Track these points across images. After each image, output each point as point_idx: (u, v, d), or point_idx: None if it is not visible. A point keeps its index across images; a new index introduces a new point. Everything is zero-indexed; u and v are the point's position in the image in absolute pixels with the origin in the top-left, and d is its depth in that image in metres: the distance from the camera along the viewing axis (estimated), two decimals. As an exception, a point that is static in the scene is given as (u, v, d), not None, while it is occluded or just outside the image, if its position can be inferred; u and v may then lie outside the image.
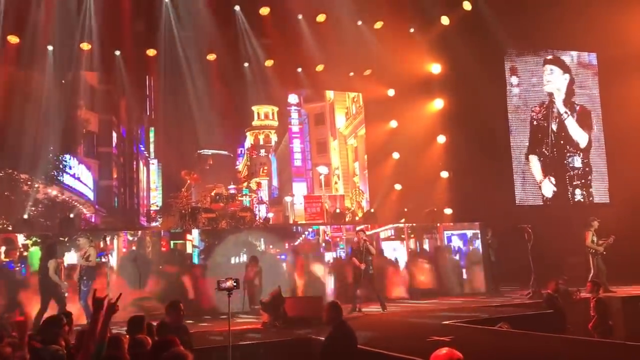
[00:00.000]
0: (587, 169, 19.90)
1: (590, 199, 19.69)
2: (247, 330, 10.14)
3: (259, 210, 18.09)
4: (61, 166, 16.62)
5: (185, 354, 4.09)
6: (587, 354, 7.39)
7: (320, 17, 17.36)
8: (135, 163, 19.06)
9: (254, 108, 21.30)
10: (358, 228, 14.16)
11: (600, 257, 14.00)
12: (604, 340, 9.07)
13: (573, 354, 7.33)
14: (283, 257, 14.74)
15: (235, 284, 7.13)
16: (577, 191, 19.72)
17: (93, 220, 16.61)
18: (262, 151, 21.48)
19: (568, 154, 19.80)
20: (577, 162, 19.86)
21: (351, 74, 19.69)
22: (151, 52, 17.05)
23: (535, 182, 19.38)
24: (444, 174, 18.56)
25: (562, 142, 19.80)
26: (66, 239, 12.70)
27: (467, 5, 17.57)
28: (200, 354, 5.72)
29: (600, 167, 19.95)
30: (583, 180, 19.83)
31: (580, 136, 19.99)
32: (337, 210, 17.10)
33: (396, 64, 17.57)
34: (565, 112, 19.96)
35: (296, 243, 15.11)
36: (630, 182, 17.13)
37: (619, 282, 13.75)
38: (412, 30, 18.12)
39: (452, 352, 2.95)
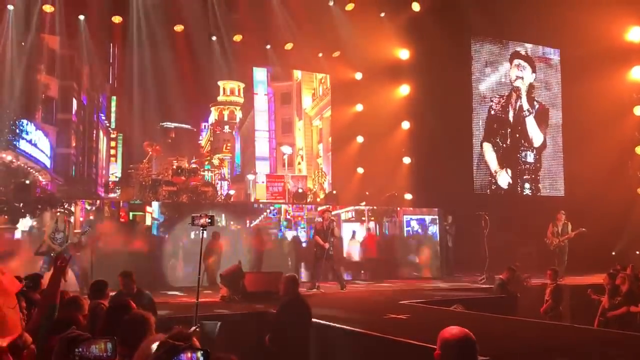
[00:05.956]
0: (537, 165, 20.41)
1: (538, 193, 20.23)
2: (205, 304, 10.08)
3: (220, 187, 17.95)
4: (17, 131, 16.06)
5: (147, 316, 4.07)
6: (539, 335, 7.66)
7: (292, -6, 17.22)
8: (95, 132, 18.61)
9: (220, 83, 21.00)
10: (321, 208, 14.22)
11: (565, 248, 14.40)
12: (554, 322, 9.41)
13: (526, 335, 7.58)
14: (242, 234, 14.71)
15: (209, 220, 7.13)
16: (527, 185, 20.24)
17: (49, 188, 16.17)
18: (227, 127, 21.26)
19: (522, 148, 20.25)
20: (530, 157, 20.35)
21: (320, 54, 19.64)
22: (117, 19, 16.64)
23: (490, 172, 19.74)
24: (406, 160, 18.77)
25: (517, 135, 20.23)
26: (21, 205, 12.36)
27: (438, -7, 17.67)
28: (162, 322, 5.67)
29: (554, 163, 20.44)
30: (533, 176, 20.35)
31: (536, 135, 20.43)
32: (300, 190, 17.11)
33: (365, 47, 17.59)
34: (528, 110, 20.36)
35: (257, 221, 15.10)
36: (584, 177, 17.61)
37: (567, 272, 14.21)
38: (382, 14, 18.15)
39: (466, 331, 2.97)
